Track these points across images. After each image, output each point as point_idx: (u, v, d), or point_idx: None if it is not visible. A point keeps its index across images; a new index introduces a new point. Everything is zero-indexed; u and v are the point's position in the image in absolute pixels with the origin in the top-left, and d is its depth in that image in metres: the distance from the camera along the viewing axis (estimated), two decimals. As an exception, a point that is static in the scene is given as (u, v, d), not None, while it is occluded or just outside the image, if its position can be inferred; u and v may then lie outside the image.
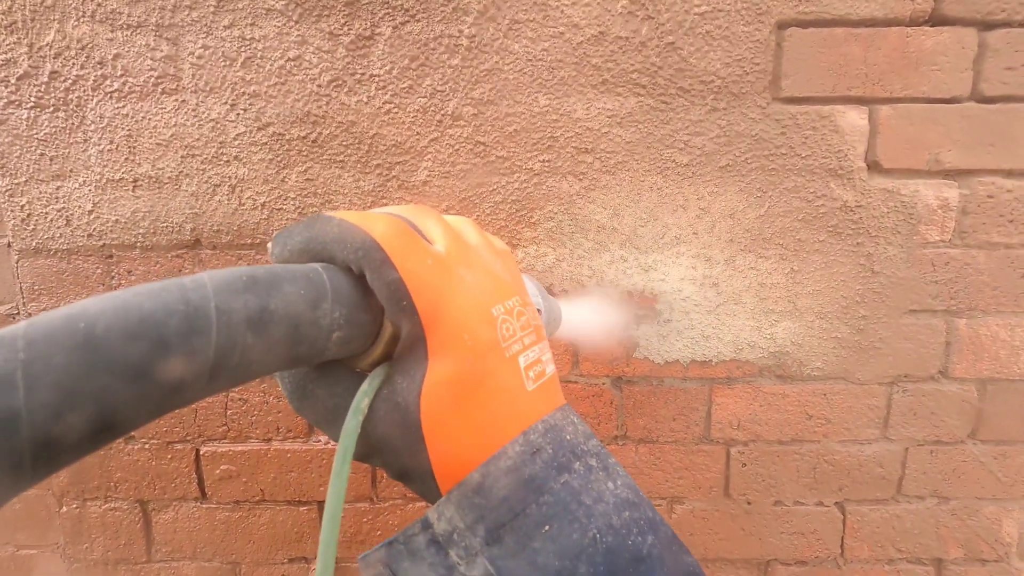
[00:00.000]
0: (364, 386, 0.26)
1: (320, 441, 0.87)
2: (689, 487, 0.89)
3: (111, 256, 0.83)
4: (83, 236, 0.82)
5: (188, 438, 0.87)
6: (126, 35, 0.76)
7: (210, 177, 0.80)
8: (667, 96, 0.77)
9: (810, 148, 0.78)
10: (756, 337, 0.84)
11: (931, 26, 0.75)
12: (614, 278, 0.82)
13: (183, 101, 0.78)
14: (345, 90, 0.77)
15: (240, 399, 0.86)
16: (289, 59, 0.77)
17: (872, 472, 0.88)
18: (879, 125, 0.77)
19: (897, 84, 0.76)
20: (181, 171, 0.80)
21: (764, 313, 0.83)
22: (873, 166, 0.79)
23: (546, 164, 0.79)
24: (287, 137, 0.79)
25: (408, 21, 0.75)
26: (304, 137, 0.79)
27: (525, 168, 0.79)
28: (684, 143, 0.78)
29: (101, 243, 0.82)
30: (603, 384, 0.86)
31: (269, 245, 0.29)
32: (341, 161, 0.79)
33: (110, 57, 0.77)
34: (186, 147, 0.79)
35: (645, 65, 0.76)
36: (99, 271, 0.83)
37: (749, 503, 0.90)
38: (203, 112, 0.78)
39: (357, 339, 0.27)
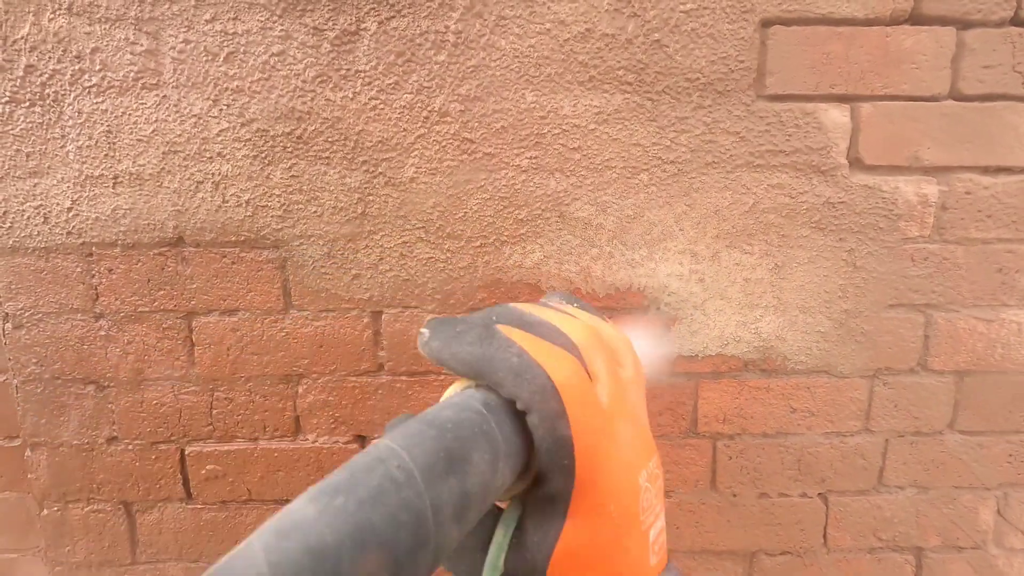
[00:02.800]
0: (498, 538, 0.25)
1: (308, 440, 0.87)
2: (676, 481, 0.90)
3: (91, 254, 0.81)
4: (62, 234, 0.80)
5: (173, 438, 0.86)
6: (104, 28, 0.75)
7: (193, 174, 0.79)
8: (653, 94, 0.77)
9: (794, 145, 0.79)
10: (741, 332, 0.85)
11: (911, 25, 0.77)
12: (601, 274, 0.83)
13: (164, 96, 0.77)
14: (330, 86, 0.77)
15: (225, 398, 0.85)
16: (273, 54, 0.76)
17: (854, 463, 0.90)
18: (861, 122, 0.79)
19: (878, 82, 0.77)
20: (163, 168, 0.79)
21: (749, 308, 0.84)
22: (855, 163, 0.80)
23: (533, 161, 0.79)
24: (271, 133, 0.78)
25: (394, 16, 0.75)
26: (289, 133, 0.78)
27: (512, 165, 0.79)
28: (670, 140, 0.79)
29: (80, 241, 0.81)
30: (591, 380, 0.86)
31: (426, 333, 0.27)
32: (327, 158, 0.79)
33: (88, 51, 0.75)
34: (168, 143, 0.78)
35: (631, 62, 0.76)
36: (79, 270, 0.82)
37: (735, 495, 0.91)
38: (185, 108, 0.77)
39: (510, 484, 0.25)
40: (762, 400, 0.87)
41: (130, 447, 0.87)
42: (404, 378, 0.86)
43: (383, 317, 0.84)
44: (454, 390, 0.28)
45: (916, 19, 0.76)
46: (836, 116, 0.79)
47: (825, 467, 0.90)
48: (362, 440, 0.88)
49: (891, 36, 0.76)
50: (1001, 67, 0.77)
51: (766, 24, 0.76)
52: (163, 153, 0.78)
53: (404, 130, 0.78)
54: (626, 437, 0.26)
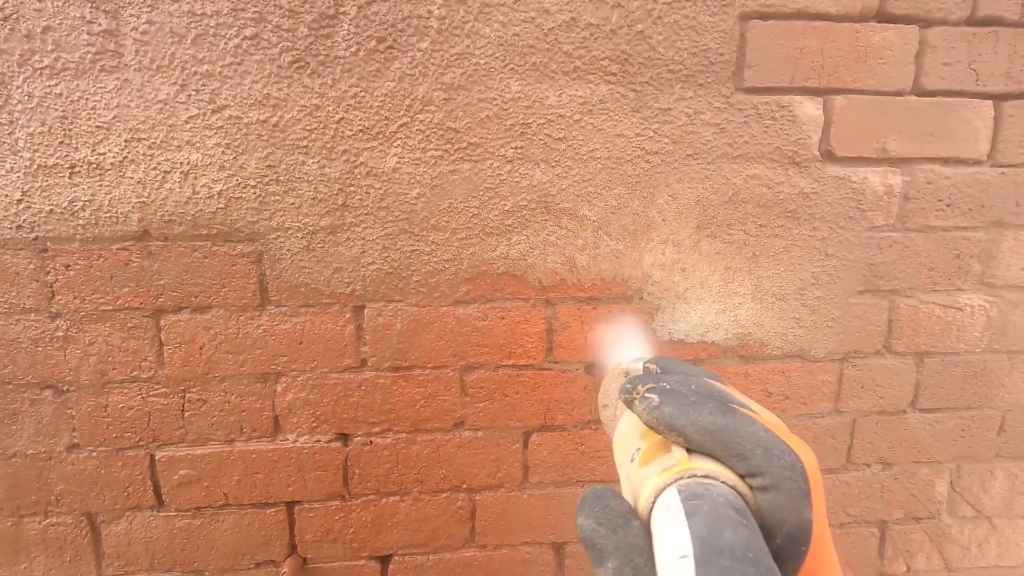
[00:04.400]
0: None
1: (288, 440, 0.84)
2: (659, 466, 0.92)
3: (45, 249, 0.76)
4: (11, 228, 0.74)
5: (141, 443, 0.82)
6: (57, 6, 0.69)
7: (159, 163, 0.74)
8: (637, 84, 0.78)
9: (770, 137, 0.81)
10: (721, 319, 0.87)
11: (878, 22, 0.80)
12: (586, 264, 0.83)
13: (126, 80, 0.72)
14: (308, 72, 0.73)
15: (198, 399, 0.81)
16: (245, 37, 0.72)
17: (825, 443, 0.94)
18: (832, 115, 0.82)
19: (848, 76, 0.81)
20: (126, 156, 0.74)
21: (728, 296, 0.86)
22: (827, 155, 0.83)
23: (518, 151, 0.79)
24: (245, 120, 0.74)
25: (374, 0, 0.72)
26: (264, 121, 0.74)
27: (497, 155, 0.78)
28: (654, 131, 0.80)
29: (33, 235, 0.75)
30: (576, 370, 0.87)
31: (654, 399, 0.26)
32: (305, 147, 0.75)
33: (38, 30, 0.69)
34: (131, 130, 0.73)
35: (616, 53, 0.77)
36: (31, 266, 0.76)
37: (714, 478, 0.94)
38: (149, 93, 0.72)
39: None
40: (740, 385, 0.90)
41: (93, 454, 0.81)
42: (388, 373, 0.84)
43: (366, 311, 0.82)
44: (638, 448, 0.28)
45: (883, 16, 0.80)
46: (809, 109, 0.81)
47: (798, 448, 0.94)
48: (344, 438, 0.85)
49: (860, 32, 0.79)
50: (959, 64, 0.81)
51: (744, 18, 0.78)
52: (125, 141, 0.73)
53: (386, 119, 0.76)
54: (830, 538, 0.25)
